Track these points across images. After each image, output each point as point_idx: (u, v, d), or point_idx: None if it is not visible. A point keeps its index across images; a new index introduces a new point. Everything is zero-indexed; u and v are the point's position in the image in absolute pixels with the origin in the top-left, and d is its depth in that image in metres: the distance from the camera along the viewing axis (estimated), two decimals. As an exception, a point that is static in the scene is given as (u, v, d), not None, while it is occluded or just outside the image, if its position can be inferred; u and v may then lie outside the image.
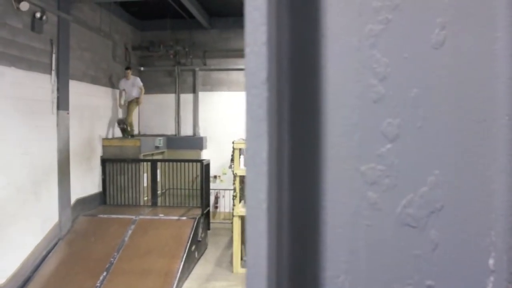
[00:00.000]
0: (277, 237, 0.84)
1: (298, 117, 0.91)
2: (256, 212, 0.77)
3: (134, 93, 14.83)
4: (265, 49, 0.76)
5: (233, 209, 11.95)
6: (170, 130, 17.43)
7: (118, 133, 15.14)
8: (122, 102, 15.05)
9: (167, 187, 15.14)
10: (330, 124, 0.92)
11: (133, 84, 14.79)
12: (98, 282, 10.16)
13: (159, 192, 14.51)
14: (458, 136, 0.92)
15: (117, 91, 15.12)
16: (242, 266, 11.94)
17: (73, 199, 12.13)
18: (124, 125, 14.60)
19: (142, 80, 16.61)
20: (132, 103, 15.00)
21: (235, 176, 11.72)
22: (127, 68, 14.99)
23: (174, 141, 16.77)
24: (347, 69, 0.92)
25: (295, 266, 0.93)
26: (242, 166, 12.16)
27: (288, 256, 0.92)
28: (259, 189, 0.77)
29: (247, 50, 0.78)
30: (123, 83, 14.85)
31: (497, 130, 0.90)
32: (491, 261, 0.92)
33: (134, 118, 15.96)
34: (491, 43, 0.90)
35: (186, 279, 11.11)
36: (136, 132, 15.94)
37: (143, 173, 14.14)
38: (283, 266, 0.90)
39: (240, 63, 16.66)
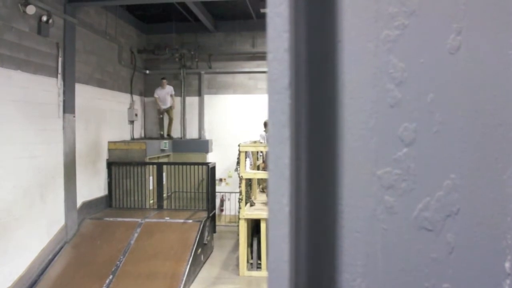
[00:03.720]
0: (296, 240, 0.85)
1: (315, 122, 0.92)
2: (278, 216, 0.78)
3: (169, 101, 16.53)
4: (288, 56, 0.77)
5: (239, 212, 11.94)
6: (176, 133, 17.44)
7: (123, 136, 15.20)
8: (161, 109, 16.69)
9: (172, 190, 15.14)
10: (347, 129, 0.93)
11: (168, 93, 16.47)
12: (104, 285, 10.18)
13: (164, 195, 14.50)
14: (474, 140, 0.92)
15: (123, 94, 15.31)
16: (249, 269, 11.95)
17: (79, 202, 12.16)
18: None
19: (146, 83, 16.87)
20: (169, 110, 16.70)
21: (241, 179, 11.70)
22: (163, 78, 16.56)
23: (179, 144, 16.79)
24: (364, 74, 0.93)
25: (312, 269, 0.94)
26: (247, 169, 12.15)
27: (305, 259, 0.93)
28: (282, 194, 0.78)
29: (270, 57, 0.78)
30: (158, 92, 16.46)
31: (513, 134, 0.91)
32: (507, 264, 0.93)
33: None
34: (507, 48, 0.91)
35: (192, 282, 11.11)
36: (179, 135, 17.52)
37: (149, 176, 14.16)
38: (301, 269, 0.91)
39: (245, 66, 16.69)
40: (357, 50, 0.93)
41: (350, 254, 0.95)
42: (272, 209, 0.78)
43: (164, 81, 16.42)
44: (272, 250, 0.79)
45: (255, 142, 13.82)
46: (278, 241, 0.78)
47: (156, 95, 16.51)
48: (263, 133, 13.18)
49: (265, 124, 12.83)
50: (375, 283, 0.95)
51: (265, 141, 12.79)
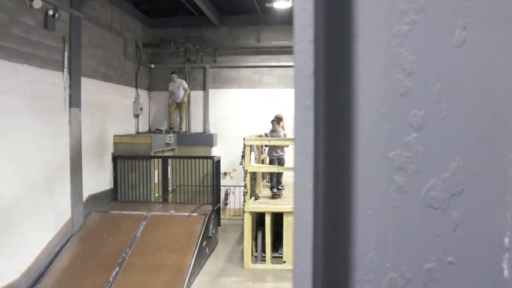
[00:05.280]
0: (314, 215, 0.94)
1: (332, 108, 1.01)
2: (303, 190, 0.86)
3: (181, 95, 16.61)
4: (312, 47, 0.85)
5: (243, 206, 12.01)
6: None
7: (128, 130, 15.29)
8: (170, 103, 16.92)
9: (177, 183, 15.23)
10: (361, 115, 1.02)
11: (179, 87, 16.52)
12: (111, 277, 10.28)
13: (170, 188, 14.60)
14: (478, 126, 1.01)
15: (129, 88, 15.41)
16: (253, 262, 12.04)
17: (85, 196, 12.26)
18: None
19: (151, 77, 16.93)
20: (181, 105, 16.80)
21: (245, 172, 11.77)
22: (173, 72, 16.57)
23: (184, 138, 16.86)
24: (377, 66, 1.02)
25: (329, 244, 1.02)
26: (252, 162, 12.21)
27: (322, 235, 1.01)
28: (306, 170, 0.86)
29: (296, 48, 0.87)
30: (171, 86, 16.71)
31: (513, 121, 1.00)
32: (506, 240, 1.01)
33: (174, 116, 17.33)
34: (509, 42, 0.99)
35: (197, 274, 11.21)
36: (184, 129, 17.54)
37: (154, 169, 14.24)
38: (318, 245, 1.00)
39: (250, 61, 16.75)
40: (371, 43, 1.02)
41: (363, 230, 1.04)
42: (298, 184, 0.87)
43: (174, 75, 16.47)
44: (297, 221, 0.88)
45: (260, 136, 13.89)
46: (302, 212, 0.87)
47: (170, 89, 16.65)
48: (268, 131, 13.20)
49: (272, 122, 12.90)
50: (386, 256, 1.04)
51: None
